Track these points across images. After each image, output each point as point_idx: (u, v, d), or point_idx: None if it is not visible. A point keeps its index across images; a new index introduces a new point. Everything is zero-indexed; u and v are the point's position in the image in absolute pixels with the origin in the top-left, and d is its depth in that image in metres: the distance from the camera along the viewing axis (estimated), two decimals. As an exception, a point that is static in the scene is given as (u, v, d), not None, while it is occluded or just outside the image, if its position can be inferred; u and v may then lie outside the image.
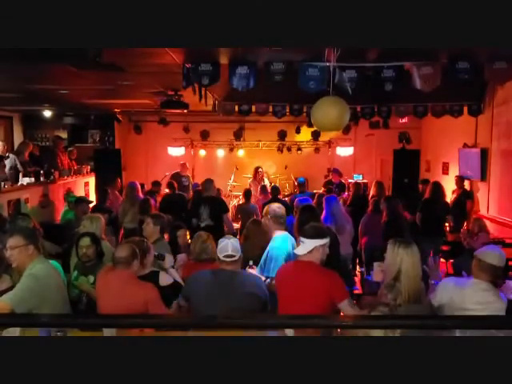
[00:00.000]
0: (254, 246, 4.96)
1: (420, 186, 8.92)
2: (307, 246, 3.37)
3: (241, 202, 10.12)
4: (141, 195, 8.02)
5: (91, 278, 4.02)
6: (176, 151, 12.30)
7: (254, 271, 4.36)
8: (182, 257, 4.72)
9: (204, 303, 3.33)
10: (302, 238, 3.43)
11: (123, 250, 3.57)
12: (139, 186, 8.20)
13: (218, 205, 6.89)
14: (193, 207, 7.07)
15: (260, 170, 11.03)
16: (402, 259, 3.21)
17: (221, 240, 3.49)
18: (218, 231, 6.26)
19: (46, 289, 3.38)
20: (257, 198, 9.00)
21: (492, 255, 3.30)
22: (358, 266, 6.94)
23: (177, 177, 10.35)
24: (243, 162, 12.65)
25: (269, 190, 8.64)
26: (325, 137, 12.41)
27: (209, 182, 7.08)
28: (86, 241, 4.20)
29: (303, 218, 4.96)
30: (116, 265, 3.54)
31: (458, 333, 2.02)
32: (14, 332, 2.84)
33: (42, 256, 3.59)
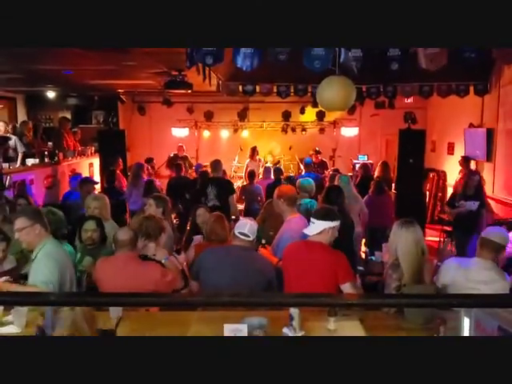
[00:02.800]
0: (270, 226, 5.02)
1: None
2: (317, 227, 3.42)
3: (245, 183, 10.16)
4: (145, 177, 8.06)
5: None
6: (180, 132, 12.29)
7: (267, 251, 4.42)
8: (198, 238, 4.74)
9: (212, 275, 3.43)
10: (312, 219, 3.48)
11: (125, 233, 3.58)
12: (144, 167, 8.24)
13: (225, 186, 6.92)
14: (200, 187, 7.10)
15: (257, 149, 11.08)
16: (400, 238, 3.24)
17: (242, 218, 3.56)
18: (223, 212, 6.27)
19: (61, 266, 3.43)
20: (256, 179, 9.01)
21: (495, 234, 3.33)
22: (363, 246, 6.99)
23: (174, 159, 10.39)
24: (247, 143, 12.62)
25: (272, 172, 8.66)
26: (330, 117, 12.34)
27: (217, 163, 7.10)
28: (90, 224, 4.17)
29: (328, 198, 5.01)
30: (119, 248, 3.54)
31: (463, 312, 2.08)
32: (23, 311, 2.89)
33: (50, 236, 3.61)
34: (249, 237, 3.51)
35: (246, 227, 3.53)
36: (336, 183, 6.37)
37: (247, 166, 10.73)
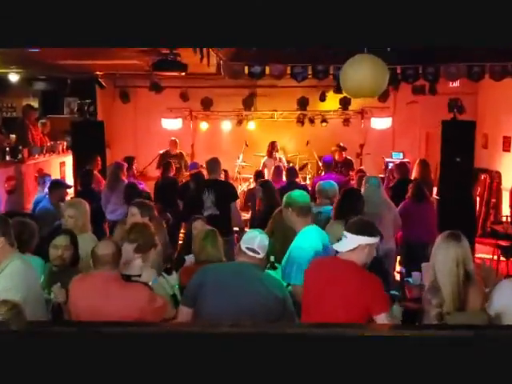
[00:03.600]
0: (278, 240, 5.06)
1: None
2: (350, 243, 3.46)
3: (251, 187, 10.17)
4: (124, 179, 8.09)
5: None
6: (172, 124, 12.32)
7: (275, 271, 4.44)
8: (190, 258, 4.76)
9: (211, 300, 3.43)
10: (345, 232, 3.50)
11: (107, 247, 3.59)
12: (124, 168, 8.27)
13: (225, 190, 6.93)
14: (194, 192, 7.13)
15: (277, 144, 11.05)
16: (439, 254, 3.25)
17: (250, 230, 3.65)
18: (223, 222, 6.34)
19: (26, 289, 3.42)
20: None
21: None
22: (398, 265, 6.98)
23: (166, 157, 10.43)
24: (254, 137, 12.64)
25: (284, 173, 8.66)
26: (356, 105, 12.34)
27: (214, 162, 7.12)
28: (62, 239, 4.11)
29: (344, 204, 5.01)
30: (99, 265, 3.56)
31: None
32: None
33: (17, 251, 3.61)
34: (258, 253, 3.54)
35: (256, 242, 3.55)
36: (364, 188, 6.38)
37: (264, 166, 10.75)
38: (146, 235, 3.95)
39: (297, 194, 4.60)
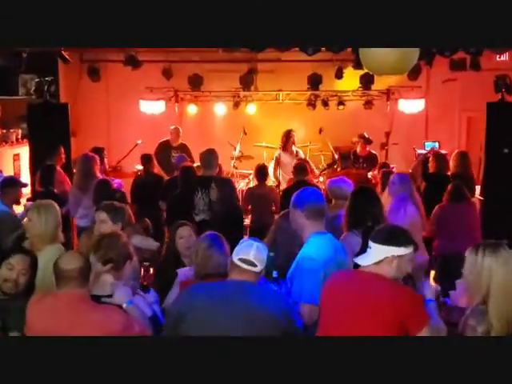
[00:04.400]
0: (282, 251, 5.08)
1: None
2: (375, 254, 3.49)
3: (252, 185, 10.16)
4: (98, 175, 8.07)
5: None
6: (152, 107, 12.32)
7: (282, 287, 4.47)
8: (184, 272, 4.76)
9: (199, 326, 3.42)
10: (370, 242, 3.54)
11: (72, 260, 3.60)
12: (97, 161, 8.25)
13: (224, 190, 6.97)
14: (181, 192, 7.11)
15: (293, 134, 10.85)
16: (490, 271, 3.23)
17: (244, 239, 3.68)
18: (218, 230, 6.30)
19: None
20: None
21: None
22: (432, 282, 6.98)
23: (165, 150, 10.36)
24: (255, 124, 12.63)
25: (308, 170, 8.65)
26: (381, 84, 12.34)
27: (209, 155, 7.17)
28: (20, 261, 4.03)
29: (355, 205, 5.04)
30: (63, 283, 3.58)
31: None
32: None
33: None
34: (255, 266, 3.56)
35: (251, 251, 3.57)
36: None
37: (277, 162, 10.66)
38: (117, 248, 3.96)
39: (308, 191, 4.60)
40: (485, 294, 3.24)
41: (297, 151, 11.03)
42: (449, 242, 6.70)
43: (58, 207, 5.08)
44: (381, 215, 5.19)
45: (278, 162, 10.53)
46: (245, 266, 3.54)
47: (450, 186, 7.11)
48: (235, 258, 3.57)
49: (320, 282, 4.03)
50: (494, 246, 3.32)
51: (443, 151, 11.06)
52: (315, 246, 4.35)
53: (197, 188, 6.83)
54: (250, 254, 3.55)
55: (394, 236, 3.52)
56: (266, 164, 9.57)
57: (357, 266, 3.71)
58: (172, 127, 11.16)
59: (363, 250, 4.75)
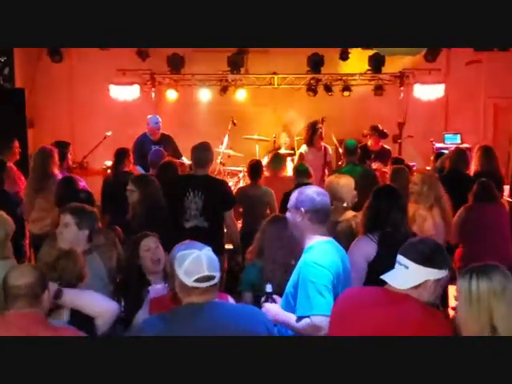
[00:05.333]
0: (273, 260, 5.14)
1: None
2: (414, 276, 3.45)
3: (242, 184, 10.16)
4: (57, 173, 8.01)
5: None
6: (125, 92, 12.31)
7: (277, 304, 4.45)
8: (157, 289, 4.73)
9: None
10: (403, 259, 3.51)
11: (23, 275, 3.59)
12: (55, 156, 8.19)
13: (217, 192, 6.99)
14: (173, 195, 7.07)
15: (320, 127, 10.69)
16: (490, 306, 3.20)
17: (182, 252, 3.54)
18: (213, 238, 6.33)
19: None
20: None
21: None
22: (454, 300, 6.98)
23: (144, 146, 10.29)
24: (245, 113, 12.65)
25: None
26: (393, 66, 12.37)
27: (204, 150, 7.16)
28: None
29: (376, 207, 5.11)
30: (13, 301, 3.56)
31: None
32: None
33: None
34: (214, 277, 3.51)
35: (203, 264, 3.49)
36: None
37: (301, 158, 10.45)
38: (73, 271, 3.93)
39: (313, 190, 4.57)
40: (483, 325, 3.22)
41: (325, 147, 10.81)
42: (476, 251, 6.61)
43: (5, 215, 5.07)
44: (404, 221, 5.18)
45: (301, 160, 10.27)
46: (204, 285, 3.48)
47: (475, 185, 7.04)
48: (189, 281, 3.47)
49: (331, 290, 4.08)
50: (485, 272, 3.29)
51: (466, 145, 11.11)
52: (320, 251, 4.32)
53: (187, 189, 6.81)
54: (204, 267, 3.47)
55: (437, 255, 3.49)
56: (260, 160, 9.49)
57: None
58: (150, 116, 10.95)
59: (381, 258, 4.81)
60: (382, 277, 3.59)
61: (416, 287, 3.41)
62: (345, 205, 6.05)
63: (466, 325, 3.25)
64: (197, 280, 3.45)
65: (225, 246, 7.22)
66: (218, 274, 3.51)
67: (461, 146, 10.71)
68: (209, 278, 3.46)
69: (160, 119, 10.76)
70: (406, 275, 3.45)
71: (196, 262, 3.46)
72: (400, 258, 3.51)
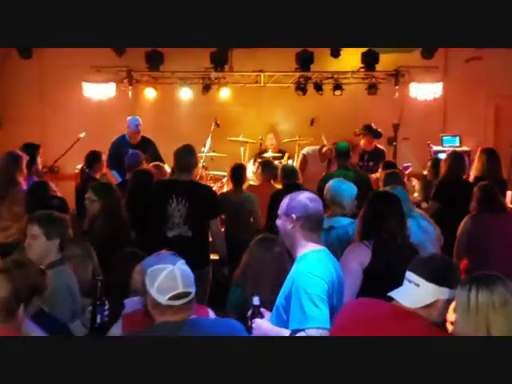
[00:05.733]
0: (262, 273, 5.21)
1: None
2: (425, 295, 3.46)
3: (225, 190, 10.15)
4: (21, 179, 7.96)
5: None
6: (99, 91, 12.27)
7: (266, 319, 4.45)
8: (130, 302, 4.69)
9: None
10: (412, 275, 3.51)
11: None
12: (22, 161, 8.14)
13: (202, 199, 6.97)
14: (153, 201, 7.12)
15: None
16: (488, 319, 3.19)
17: (154, 267, 3.52)
18: (197, 248, 6.48)
19: None
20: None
21: None
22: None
23: (120, 147, 10.26)
24: (230, 113, 12.65)
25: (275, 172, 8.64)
26: (388, 64, 12.40)
27: (187, 154, 7.13)
28: None
29: (372, 215, 5.09)
30: None
31: None
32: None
33: None
34: (189, 293, 3.52)
35: (178, 280, 3.48)
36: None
37: (304, 162, 10.52)
38: (20, 281, 3.88)
39: (305, 195, 4.55)
40: None
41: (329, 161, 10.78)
42: (482, 263, 6.56)
43: None
44: (401, 229, 5.20)
45: (305, 163, 10.55)
46: (179, 303, 3.48)
47: (478, 191, 6.99)
48: (163, 299, 3.46)
49: (326, 300, 4.07)
50: (487, 282, 3.27)
51: (465, 148, 11.13)
52: (314, 260, 4.31)
53: (171, 196, 6.79)
54: (178, 284, 3.46)
55: (450, 274, 3.54)
56: (244, 164, 9.48)
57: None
58: (129, 118, 10.91)
59: (375, 266, 4.87)
60: (389, 294, 3.59)
61: (426, 306, 3.43)
62: (342, 210, 6.07)
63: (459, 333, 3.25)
64: (171, 298, 3.44)
65: (210, 257, 7.19)
66: (193, 290, 3.52)
67: (459, 148, 10.72)
68: (184, 295, 3.46)
69: (140, 121, 10.78)
70: (416, 293, 3.46)
71: (170, 278, 3.46)
72: (410, 274, 3.52)
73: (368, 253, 4.97)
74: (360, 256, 5.02)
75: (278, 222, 4.52)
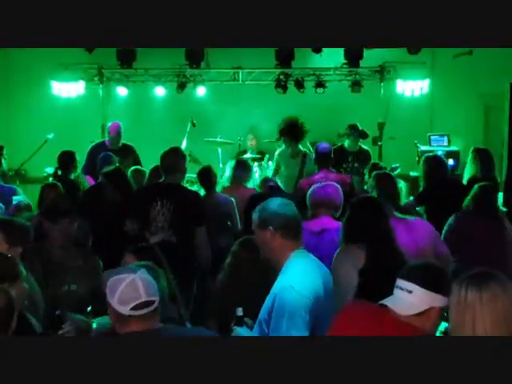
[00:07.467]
0: (245, 282, 5.20)
1: None
2: (419, 303, 3.53)
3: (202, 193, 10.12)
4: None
5: None
6: (68, 89, 12.33)
7: (249, 329, 4.51)
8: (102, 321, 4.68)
9: None
10: (405, 283, 3.56)
11: None
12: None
13: (190, 204, 6.94)
14: (131, 205, 7.14)
15: None
16: (474, 318, 3.17)
17: (114, 278, 3.55)
18: (184, 256, 6.58)
19: None
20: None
21: None
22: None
23: (97, 152, 10.22)
24: (206, 112, 12.66)
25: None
26: (372, 59, 12.44)
27: (174, 156, 7.20)
28: None
29: (359, 222, 5.15)
30: None
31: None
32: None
33: None
34: (153, 302, 3.55)
35: (139, 289, 3.51)
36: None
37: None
38: None
39: (277, 202, 4.54)
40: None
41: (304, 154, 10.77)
42: (469, 265, 6.57)
43: None
44: (388, 234, 5.18)
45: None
46: (143, 312, 3.50)
47: (475, 191, 6.95)
48: (125, 310, 3.49)
49: (307, 320, 4.15)
50: (479, 281, 3.25)
51: (454, 148, 11.14)
52: (297, 272, 4.37)
53: (154, 199, 6.81)
54: (140, 293, 3.50)
55: (443, 280, 3.61)
56: (210, 166, 9.40)
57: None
58: (110, 124, 10.90)
59: (369, 268, 4.87)
60: (381, 302, 3.63)
61: (419, 315, 3.51)
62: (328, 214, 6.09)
63: (454, 333, 3.30)
64: (134, 308, 3.48)
65: (197, 269, 7.16)
66: (157, 298, 3.57)
67: (448, 148, 10.74)
68: (147, 304, 3.51)
69: (121, 127, 10.68)
70: (409, 300, 3.53)
71: (131, 288, 3.50)
72: (401, 282, 3.58)
73: (362, 254, 4.94)
74: (354, 258, 4.97)
75: (255, 237, 4.50)
